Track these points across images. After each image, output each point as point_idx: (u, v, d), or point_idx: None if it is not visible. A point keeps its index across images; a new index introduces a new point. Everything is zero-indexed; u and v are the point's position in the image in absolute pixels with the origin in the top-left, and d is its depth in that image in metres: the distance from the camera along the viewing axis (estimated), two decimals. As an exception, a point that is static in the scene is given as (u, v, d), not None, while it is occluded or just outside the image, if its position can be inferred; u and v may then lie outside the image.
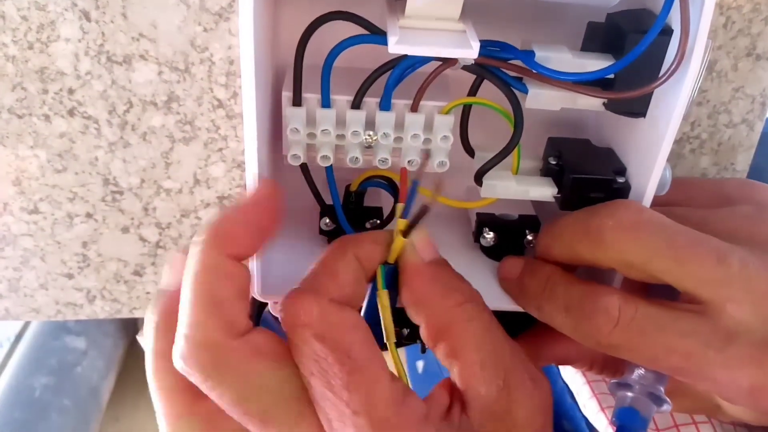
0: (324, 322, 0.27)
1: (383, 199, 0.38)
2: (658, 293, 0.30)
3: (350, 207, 0.36)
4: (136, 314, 0.49)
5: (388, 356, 0.29)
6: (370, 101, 0.32)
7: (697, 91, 0.31)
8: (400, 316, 0.31)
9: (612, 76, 0.30)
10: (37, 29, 0.38)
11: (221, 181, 0.43)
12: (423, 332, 0.30)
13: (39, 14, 0.37)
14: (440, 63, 0.31)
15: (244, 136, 0.28)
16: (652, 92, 0.31)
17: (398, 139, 0.32)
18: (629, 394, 0.33)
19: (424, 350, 0.32)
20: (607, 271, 0.33)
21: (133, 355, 1.40)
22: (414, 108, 0.32)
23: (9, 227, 0.44)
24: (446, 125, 0.32)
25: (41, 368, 1.16)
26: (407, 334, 0.35)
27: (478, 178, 0.34)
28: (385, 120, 0.32)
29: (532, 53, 0.31)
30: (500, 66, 0.31)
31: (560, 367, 0.56)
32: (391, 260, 0.30)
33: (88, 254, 0.46)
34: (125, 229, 0.45)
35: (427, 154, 0.31)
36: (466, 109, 0.34)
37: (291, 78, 0.31)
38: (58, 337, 1.21)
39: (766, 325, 0.28)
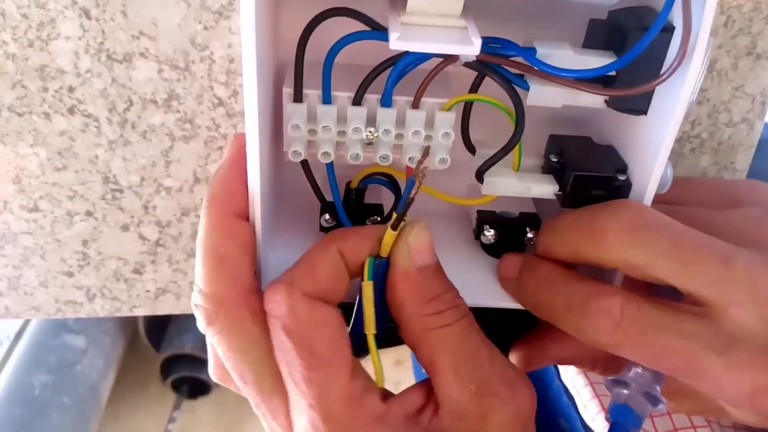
0: (292, 316, 0.28)
1: (384, 197, 0.38)
2: (662, 293, 0.30)
3: (351, 204, 0.36)
4: (136, 312, 0.49)
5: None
6: (371, 98, 0.32)
7: (698, 89, 0.30)
8: None
9: (614, 73, 0.30)
10: (37, 27, 0.38)
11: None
12: (403, 335, 0.30)
13: (39, 12, 0.37)
14: (441, 60, 0.30)
15: (246, 133, 0.28)
16: (654, 90, 0.31)
17: (399, 136, 0.32)
18: (625, 391, 0.33)
19: None
20: (608, 269, 0.32)
21: (132, 353, 1.40)
22: (415, 105, 0.32)
23: (9, 225, 0.44)
24: (447, 122, 0.32)
25: (41, 366, 1.16)
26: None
27: (480, 175, 0.34)
28: (386, 116, 0.32)
29: (533, 50, 0.31)
30: (502, 63, 0.31)
31: (562, 367, 0.56)
32: (384, 254, 0.30)
33: (88, 252, 0.46)
34: (125, 228, 0.45)
35: (426, 150, 0.30)
36: (467, 106, 0.34)
37: (292, 75, 0.31)
38: (57, 336, 1.21)
39: None
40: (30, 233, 0.44)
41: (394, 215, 0.30)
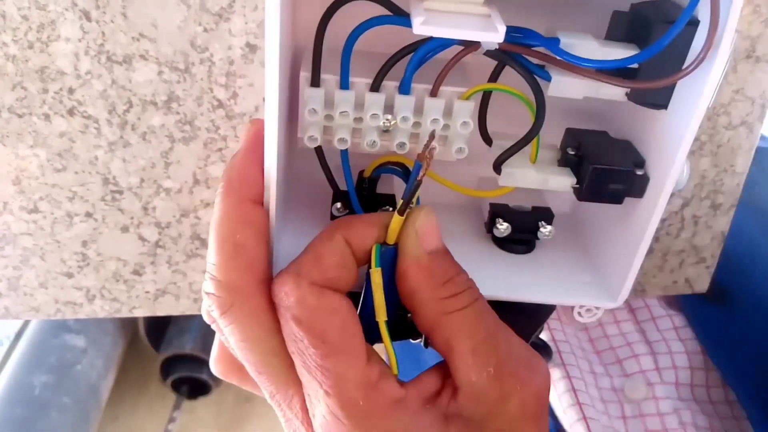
0: (301, 306, 0.28)
1: (396, 187, 0.37)
2: None
3: (363, 193, 0.36)
4: (136, 313, 0.49)
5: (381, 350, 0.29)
6: (389, 85, 0.31)
7: (720, 84, 0.30)
8: None
9: (636, 66, 0.30)
10: (37, 29, 0.38)
11: (215, 190, 0.43)
12: (417, 321, 0.30)
13: (39, 14, 0.37)
14: (462, 48, 0.30)
15: (264, 118, 0.28)
16: (675, 84, 0.31)
17: (416, 125, 0.32)
18: None
19: (427, 345, 0.32)
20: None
21: (132, 353, 1.40)
22: (434, 93, 0.31)
23: (9, 226, 0.44)
24: (466, 111, 0.32)
25: (41, 366, 1.16)
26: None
27: (497, 166, 0.34)
28: (404, 103, 0.31)
29: (557, 40, 0.30)
30: (523, 52, 0.31)
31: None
32: (390, 241, 0.30)
33: (88, 253, 0.46)
34: (125, 229, 0.45)
35: (432, 134, 0.30)
36: (486, 96, 0.34)
37: (308, 60, 0.31)
38: (57, 336, 1.21)
39: None
40: (30, 234, 0.45)
41: (400, 200, 0.29)
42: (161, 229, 0.45)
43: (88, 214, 0.44)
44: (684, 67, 0.29)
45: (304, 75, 0.31)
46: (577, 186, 0.34)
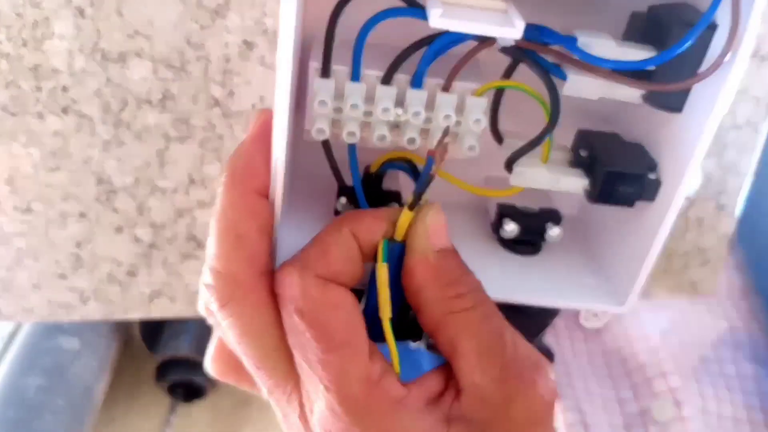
0: (305, 298, 0.27)
1: (402, 184, 0.37)
2: None
3: (368, 189, 0.35)
4: (130, 315, 0.48)
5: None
6: (401, 78, 0.31)
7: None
8: None
9: (653, 68, 0.30)
10: (31, 26, 0.37)
11: (217, 182, 0.43)
12: (421, 320, 0.29)
13: (33, 11, 0.37)
14: (477, 43, 0.30)
15: (274, 107, 0.27)
16: (691, 87, 0.31)
17: (428, 120, 0.31)
18: None
19: (429, 347, 0.32)
20: None
21: (127, 355, 1.40)
22: (446, 88, 0.31)
23: (2, 226, 0.44)
24: (479, 108, 0.31)
25: (35, 368, 1.16)
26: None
27: (509, 165, 0.34)
28: (416, 98, 0.30)
29: (574, 39, 0.30)
30: (539, 50, 0.30)
31: None
32: (398, 237, 0.29)
33: (82, 254, 0.45)
34: (119, 229, 0.45)
35: (446, 130, 0.29)
36: (498, 94, 0.34)
37: (318, 49, 0.30)
38: (51, 337, 1.21)
39: None
40: (23, 234, 0.44)
41: (411, 196, 0.29)
42: (156, 229, 0.45)
43: (82, 215, 0.44)
44: (701, 70, 0.29)
45: (314, 65, 0.31)
46: (589, 188, 0.34)
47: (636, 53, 0.30)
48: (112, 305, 0.48)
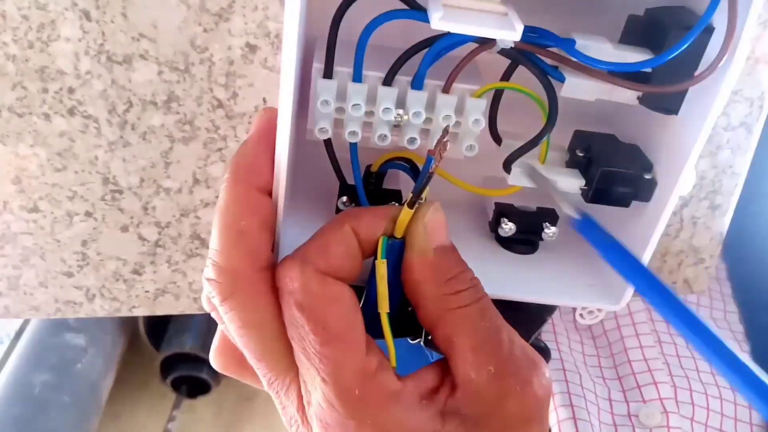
0: (305, 292, 0.28)
1: (402, 183, 0.37)
2: None
3: (369, 188, 0.36)
4: (135, 313, 0.49)
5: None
6: (401, 79, 0.31)
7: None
8: None
9: (649, 70, 0.30)
10: (37, 28, 0.38)
11: (220, 180, 0.43)
12: (420, 316, 0.30)
13: (39, 14, 0.37)
14: (477, 45, 0.30)
15: (278, 107, 0.28)
16: (687, 90, 0.31)
17: (428, 121, 0.32)
18: None
19: (427, 343, 0.32)
20: None
21: (132, 352, 1.40)
22: (446, 89, 0.31)
23: (9, 225, 0.44)
24: (478, 109, 0.32)
25: (41, 365, 1.16)
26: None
27: (507, 165, 0.34)
28: (417, 99, 0.31)
29: (572, 41, 0.30)
30: (538, 52, 0.31)
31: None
32: (398, 234, 0.30)
33: (88, 253, 0.46)
34: (124, 228, 0.45)
35: (446, 129, 0.30)
36: (497, 95, 0.34)
37: (321, 50, 0.31)
38: (58, 334, 1.21)
39: None
40: (30, 233, 0.45)
41: (410, 194, 0.29)
42: (161, 228, 0.45)
43: (88, 214, 0.44)
44: (697, 73, 0.29)
45: (317, 66, 0.31)
46: (585, 188, 0.34)
47: (633, 56, 0.31)
48: (117, 302, 0.48)
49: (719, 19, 0.28)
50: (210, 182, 0.44)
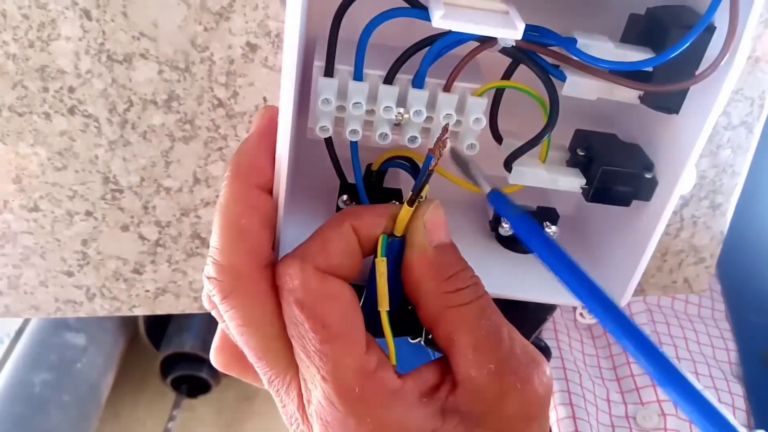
0: (305, 290, 0.28)
1: (403, 182, 0.37)
2: None
3: (370, 186, 0.36)
4: (136, 312, 0.49)
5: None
6: (402, 78, 0.31)
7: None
8: None
9: (650, 69, 0.30)
10: (37, 28, 0.38)
11: (221, 179, 0.43)
12: (420, 315, 0.30)
13: (40, 13, 0.37)
14: (478, 44, 0.30)
15: (279, 104, 0.28)
16: (688, 89, 0.31)
17: (429, 119, 0.32)
18: None
19: (427, 342, 0.32)
20: None
21: (132, 352, 1.40)
22: (447, 88, 0.31)
23: (9, 225, 0.44)
24: (479, 107, 0.32)
25: (41, 364, 1.16)
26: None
27: (508, 164, 0.34)
28: (418, 97, 0.31)
29: (574, 40, 0.30)
30: (539, 51, 0.31)
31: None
32: (398, 232, 0.30)
33: (88, 252, 0.46)
34: (125, 228, 0.45)
35: (446, 127, 0.30)
36: (498, 94, 0.34)
37: (322, 49, 0.31)
38: (58, 334, 1.21)
39: None
40: (30, 233, 0.45)
41: (410, 192, 0.29)
42: (161, 228, 0.45)
43: (89, 213, 0.44)
44: (698, 72, 0.29)
45: (318, 64, 0.31)
46: (586, 187, 0.34)
47: (634, 55, 0.31)
48: (117, 302, 0.48)
49: (720, 19, 0.28)
50: (210, 181, 0.44)
